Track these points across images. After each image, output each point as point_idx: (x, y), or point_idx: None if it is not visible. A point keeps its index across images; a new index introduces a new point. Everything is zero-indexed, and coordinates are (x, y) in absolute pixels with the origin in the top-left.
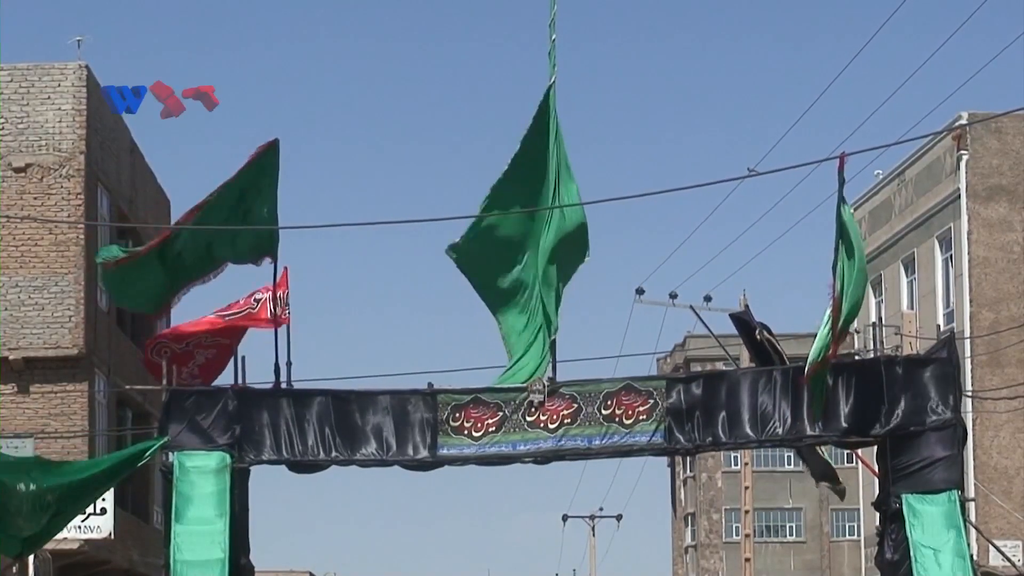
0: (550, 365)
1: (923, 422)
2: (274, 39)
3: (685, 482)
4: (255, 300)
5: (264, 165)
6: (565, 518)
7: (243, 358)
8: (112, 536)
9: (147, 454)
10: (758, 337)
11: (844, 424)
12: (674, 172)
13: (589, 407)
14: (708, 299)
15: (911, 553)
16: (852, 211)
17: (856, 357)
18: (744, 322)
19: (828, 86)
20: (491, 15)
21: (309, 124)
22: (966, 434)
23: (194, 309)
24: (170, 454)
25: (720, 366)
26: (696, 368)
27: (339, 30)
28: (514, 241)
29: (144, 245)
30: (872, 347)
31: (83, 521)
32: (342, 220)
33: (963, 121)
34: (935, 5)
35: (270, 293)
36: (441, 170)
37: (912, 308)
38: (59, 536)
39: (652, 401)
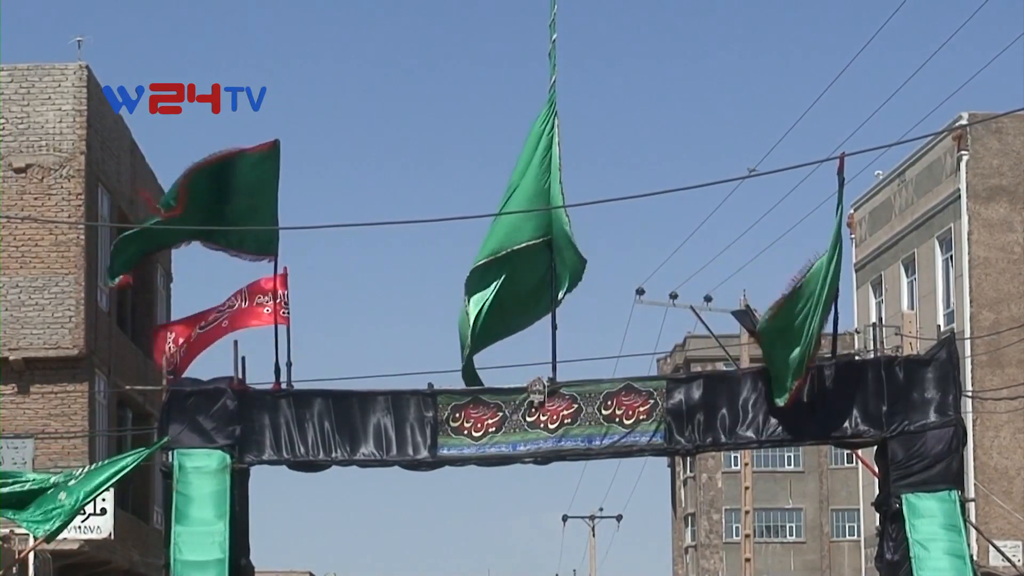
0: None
1: (923, 422)
2: (275, 39)
3: (685, 482)
4: (256, 303)
5: (265, 165)
6: (565, 518)
7: (243, 358)
8: (112, 536)
9: (145, 455)
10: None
11: (844, 424)
12: (674, 172)
13: (589, 407)
14: (708, 299)
15: (911, 553)
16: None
17: (856, 357)
18: (747, 320)
19: (828, 86)
20: (493, 17)
21: (310, 124)
22: (966, 434)
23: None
24: (170, 454)
25: (720, 366)
26: (696, 368)
27: (340, 31)
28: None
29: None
30: (872, 347)
31: (83, 521)
32: (342, 221)
33: (963, 121)
34: (935, 6)
35: (270, 292)
36: (441, 171)
37: (912, 308)
38: (59, 536)
39: (652, 401)
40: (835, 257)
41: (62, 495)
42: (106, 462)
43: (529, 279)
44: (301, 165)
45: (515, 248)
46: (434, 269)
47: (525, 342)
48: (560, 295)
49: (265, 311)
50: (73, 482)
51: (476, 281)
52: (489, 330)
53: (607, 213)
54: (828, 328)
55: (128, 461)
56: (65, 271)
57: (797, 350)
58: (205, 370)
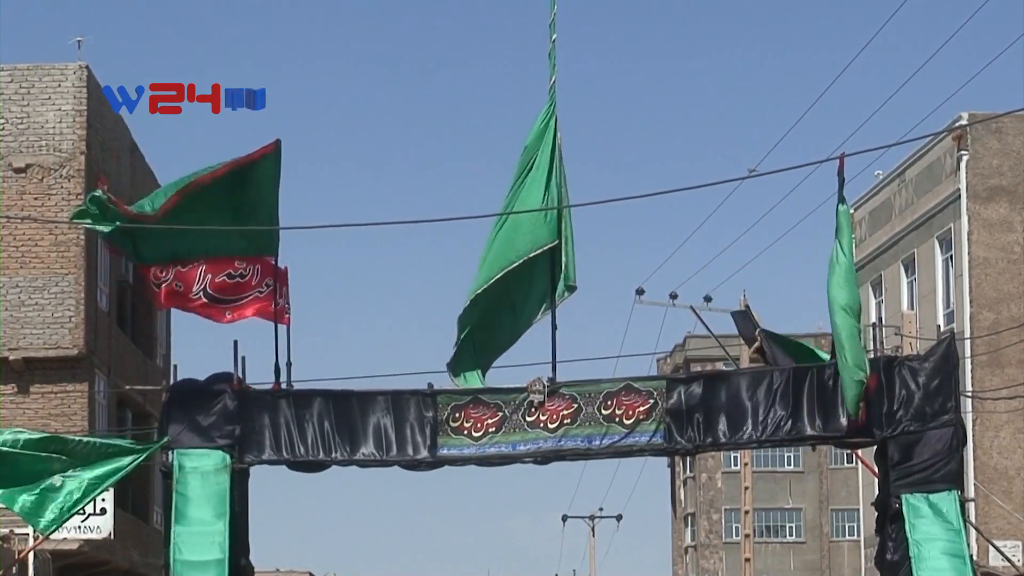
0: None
1: (923, 422)
2: (275, 39)
3: (685, 482)
4: (265, 284)
5: (266, 165)
6: (565, 518)
7: (243, 358)
8: (112, 536)
9: (145, 455)
10: (757, 336)
11: (844, 424)
12: (674, 172)
13: (589, 407)
14: (708, 299)
15: (910, 553)
16: (851, 211)
17: None
18: (746, 321)
19: (828, 86)
20: (493, 17)
21: (310, 124)
22: (966, 434)
23: None
24: (170, 454)
25: (720, 366)
26: (696, 368)
27: (340, 31)
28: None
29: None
30: (872, 347)
31: (83, 521)
32: (342, 221)
33: (963, 121)
34: (935, 6)
35: (277, 283)
36: (441, 171)
37: (912, 308)
38: (59, 536)
39: (652, 401)
40: (841, 257)
41: (57, 479)
42: (101, 442)
43: (531, 289)
44: (301, 165)
45: (515, 265)
46: (435, 269)
47: (525, 342)
48: (556, 297)
49: (273, 304)
50: (71, 472)
51: (474, 306)
52: (492, 346)
53: (607, 213)
54: (823, 328)
55: (126, 446)
56: (65, 271)
57: (851, 368)
58: (204, 371)
